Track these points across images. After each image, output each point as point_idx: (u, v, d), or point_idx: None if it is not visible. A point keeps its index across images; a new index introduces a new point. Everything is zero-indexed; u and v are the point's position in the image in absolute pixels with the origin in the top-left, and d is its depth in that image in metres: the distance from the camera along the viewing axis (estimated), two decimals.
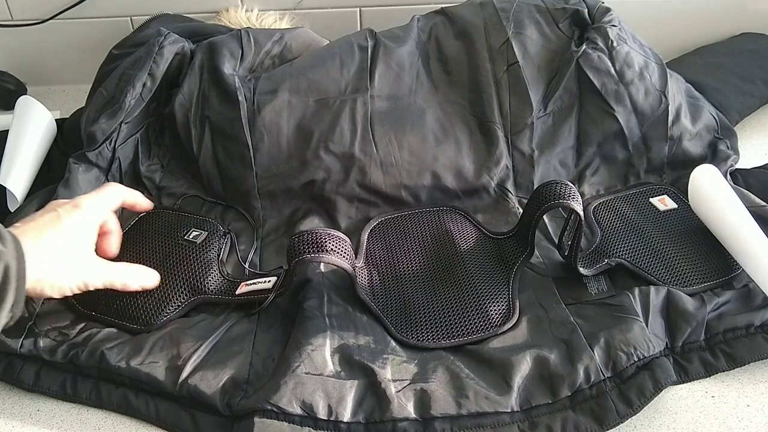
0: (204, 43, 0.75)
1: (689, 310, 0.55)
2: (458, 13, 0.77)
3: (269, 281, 0.60)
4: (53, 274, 0.50)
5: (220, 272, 0.62)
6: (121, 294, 0.59)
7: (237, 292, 0.60)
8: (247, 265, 0.64)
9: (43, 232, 0.50)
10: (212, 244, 0.65)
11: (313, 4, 0.91)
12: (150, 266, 0.61)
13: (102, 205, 0.56)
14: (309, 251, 0.55)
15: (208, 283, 0.61)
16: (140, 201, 0.62)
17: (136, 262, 0.61)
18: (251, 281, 0.61)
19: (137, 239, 0.66)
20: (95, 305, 0.59)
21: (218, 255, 0.64)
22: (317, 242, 0.55)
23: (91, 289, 0.54)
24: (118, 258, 0.62)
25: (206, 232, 0.66)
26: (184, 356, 0.54)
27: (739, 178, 0.70)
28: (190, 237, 0.65)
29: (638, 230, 0.64)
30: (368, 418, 0.50)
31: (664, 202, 0.68)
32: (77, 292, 0.53)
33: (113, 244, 0.60)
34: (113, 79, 0.72)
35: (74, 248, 0.52)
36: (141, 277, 0.59)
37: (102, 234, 0.58)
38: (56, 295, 0.52)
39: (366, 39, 0.75)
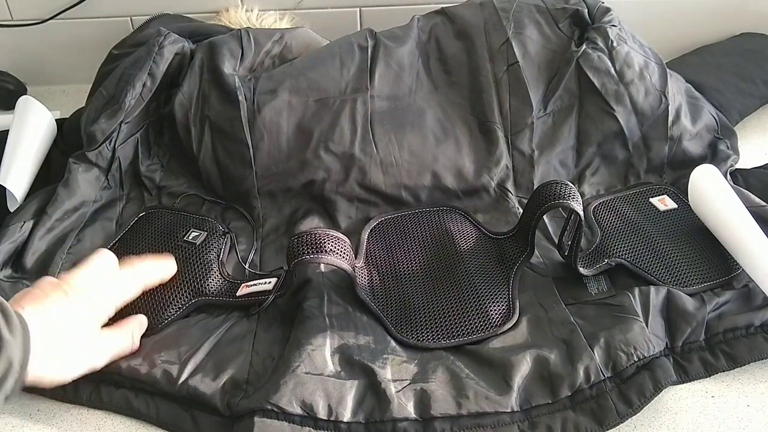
0: (204, 43, 0.75)
1: (689, 310, 0.55)
2: (458, 13, 0.77)
3: (269, 282, 0.60)
4: (55, 370, 0.50)
5: (220, 273, 0.62)
6: None
7: (237, 294, 0.60)
8: (247, 266, 0.64)
9: (49, 319, 0.48)
10: (212, 244, 0.65)
11: (313, 4, 0.91)
12: None
13: (113, 300, 0.54)
14: (308, 252, 0.55)
15: (208, 284, 0.61)
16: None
17: None
18: (252, 282, 0.61)
19: (136, 242, 0.66)
20: None
21: (218, 255, 0.64)
22: (317, 243, 0.55)
23: (97, 369, 0.53)
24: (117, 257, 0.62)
25: (205, 233, 0.66)
26: (184, 357, 0.54)
27: (739, 178, 0.70)
28: (190, 238, 0.65)
29: (638, 230, 0.64)
30: (368, 418, 0.50)
31: (664, 202, 0.68)
32: (80, 376, 0.52)
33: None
34: (113, 79, 0.72)
35: (80, 339, 0.51)
36: (142, 327, 0.57)
37: None
38: (55, 385, 0.50)
39: (366, 39, 0.75)
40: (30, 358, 0.45)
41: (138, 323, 0.57)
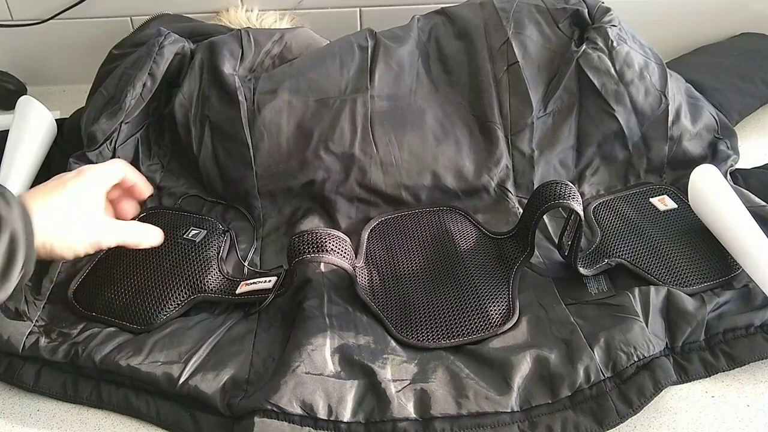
0: (204, 43, 0.75)
1: (689, 310, 0.55)
2: (458, 13, 0.77)
3: (269, 281, 0.60)
4: (63, 232, 0.52)
5: (219, 271, 0.62)
6: (121, 293, 0.59)
7: (237, 292, 0.60)
8: (246, 263, 0.64)
9: (49, 195, 0.52)
10: (212, 242, 0.65)
11: (313, 4, 0.91)
12: (149, 266, 0.61)
13: (105, 174, 0.57)
14: (309, 251, 0.55)
15: (207, 281, 0.61)
16: (140, 184, 0.61)
17: (136, 263, 0.61)
18: (251, 281, 0.61)
19: None
20: (95, 306, 0.59)
21: (218, 253, 0.64)
22: (317, 242, 0.55)
23: (104, 247, 0.55)
24: (117, 256, 0.62)
25: (205, 231, 0.66)
26: (184, 356, 0.54)
27: (739, 178, 0.70)
28: (189, 236, 0.65)
29: (638, 230, 0.64)
30: (368, 418, 0.50)
31: (664, 202, 0.68)
32: (90, 251, 0.54)
33: (130, 207, 0.62)
34: (113, 79, 0.72)
35: (82, 209, 0.54)
36: (152, 236, 0.59)
37: (124, 189, 0.60)
38: (69, 255, 0.52)
39: (366, 39, 0.75)
40: (34, 226, 0.48)
41: (156, 229, 0.60)
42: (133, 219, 0.67)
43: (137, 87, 0.69)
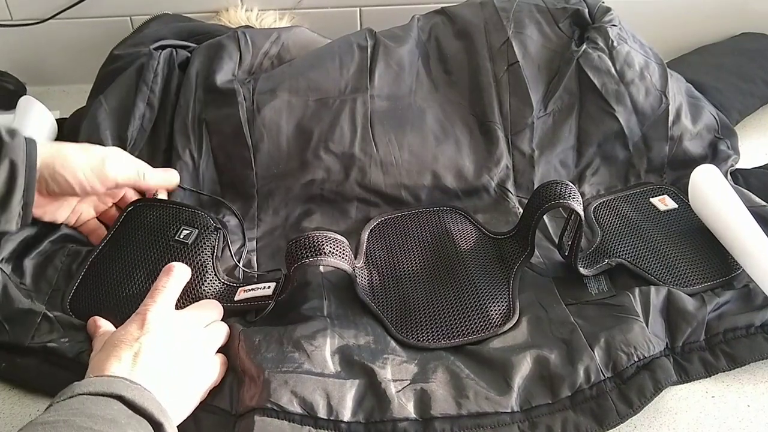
0: (201, 47, 0.75)
1: (689, 310, 0.55)
2: (458, 12, 0.77)
3: (268, 287, 0.59)
4: (68, 152, 0.55)
5: (216, 275, 0.60)
6: (117, 308, 0.57)
7: (236, 299, 0.58)
8: (241, 264, 0.63)
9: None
10: (205, 243, 0.62)
11: (313, 4, 0.91)
12: (141, 275, 0.60)
13: (126, 158, 0.63)
14: (307, 255, 0.54)
15: (204, 288, 0.59)
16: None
17: (127, 270, 0.60)
18: (250, 286, 0.59)
19: (126, 242, 0.63)
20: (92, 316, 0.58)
21: (212, 253, 0.61)
22: (315, 246, 0.55)
23: (108, 179, 0.58)
24: (109, 260, 0.61)
25: (197, 230, 0.63)
26: None
27: (740, 178, 0.70)
28: (181, 237, 0.62)
29: (638, 230, 0.64)
30: (368, 417, 0.50)
31: (664, 202, 0.68)
32: (93, 182, 0.56)
33: None
34: (115, 92, 0.71)
35: (95, 148, 0.59)
36: (171, 178, 0.65)
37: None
38: (71, 178, 0.54)
39: (366, 38, 0.75)
40: (37, 153, 0.52)
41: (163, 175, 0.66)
42: (120, 213, 0.66)
43: (137, 117, 0.70)
